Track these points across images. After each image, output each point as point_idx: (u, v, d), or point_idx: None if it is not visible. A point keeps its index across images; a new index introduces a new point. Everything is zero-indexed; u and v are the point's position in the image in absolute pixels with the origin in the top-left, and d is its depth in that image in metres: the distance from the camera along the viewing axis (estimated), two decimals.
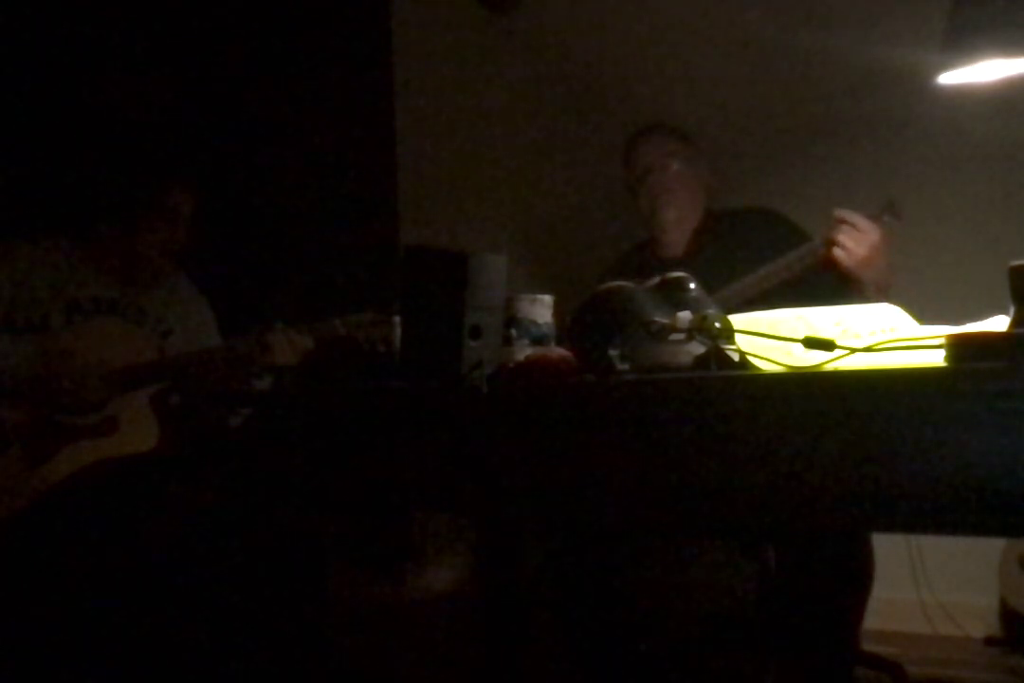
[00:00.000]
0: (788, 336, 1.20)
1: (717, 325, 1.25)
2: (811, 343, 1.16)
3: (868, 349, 1.16)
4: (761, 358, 1.21)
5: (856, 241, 2.00)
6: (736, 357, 1.24)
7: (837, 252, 2.01)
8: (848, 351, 1.15)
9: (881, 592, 2.06)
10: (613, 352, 1.29)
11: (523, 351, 1.52)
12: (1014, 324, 1.08)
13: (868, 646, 2.22)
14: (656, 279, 1.39)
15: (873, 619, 2.09)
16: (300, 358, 2.25)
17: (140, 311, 2.41)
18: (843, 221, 2.02)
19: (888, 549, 2.07)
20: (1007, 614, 2.65)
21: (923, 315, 1.38)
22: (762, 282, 2.11)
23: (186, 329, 2.47)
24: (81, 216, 2.43)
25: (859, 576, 2.03)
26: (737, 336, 1.25)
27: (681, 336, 1.27)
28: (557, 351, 1.46)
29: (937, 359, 1.07)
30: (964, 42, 1.65)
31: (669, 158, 2.45)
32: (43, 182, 2.90)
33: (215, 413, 2.42)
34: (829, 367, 1.16)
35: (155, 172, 2.41)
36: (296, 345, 2.24)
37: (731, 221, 2.45)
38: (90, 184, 2.43)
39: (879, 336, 1.28)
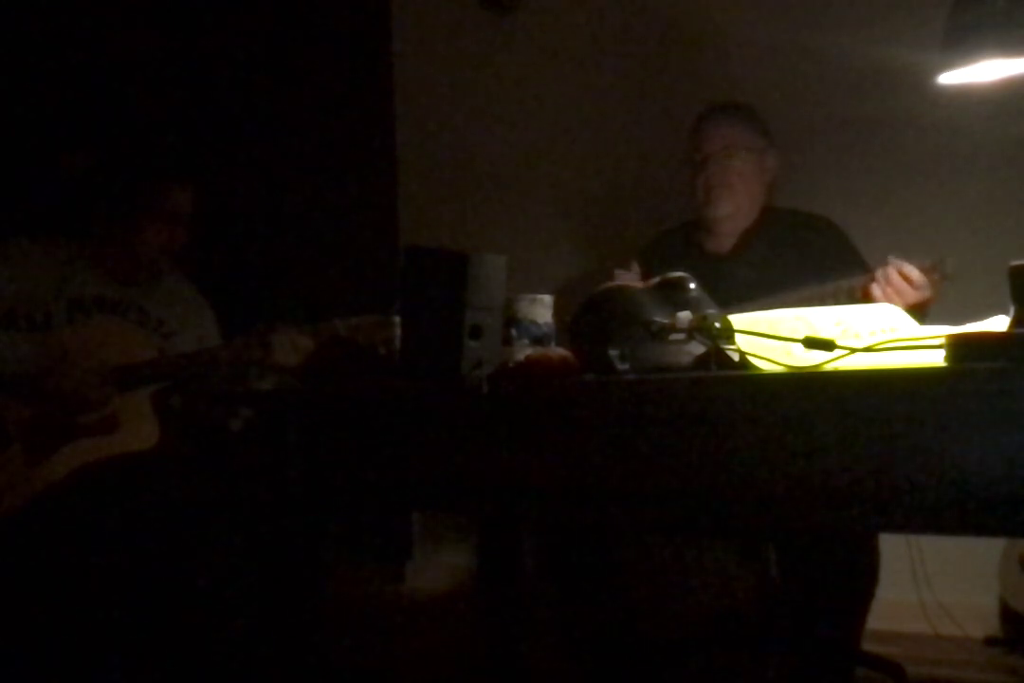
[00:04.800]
0: (788, 336, 1.20)
1: (717, 325, 1.25)
2: (811, 343, 1.17)
3: (868, 349, 1.16)
4: (761, 358, 1.21)
5: (902, 293, 1.94)
6: (736, 357, 1.24)
7: (876, 296, 1.96)
8: (848, 351, 1.15)
9: (881, 592, 2.06)
10: (613, 352, 1.29)
11: (523, 351, 1.52)
12: (1014, 324, 1.08)
13: (868, 646, 2.21)
14: (656, 279, 1.39)
15: (873, 619, 2.09)
16: (302, 359, 2.25)
17: (141, 312, 2.41)
18: (896, 272, 1.95)
19: (888, 549, 2.07)
20: (1007, 614, 2.65)
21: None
22: (800, 303, 2.08)
23: (188, 331, 2.46)
24: (81, 216, 2.43)
25: (863, 577, 2.03)
26: (737, 336, 1.25)
27: (681, 336, 1.27)
28: (557, 351, 1.47)
29: (937, 359, 1.08)
30: (964, 42, 1.65)
31: (735, 149, 2.32)
32: (43, 182, 2.90)
33: (215, 413, 2.42)
34: (829, 367, 1.16)
35: (155, 172, 2.41)
36: (298, 346, 2.24)
37: (786, 223, 2.37)
38: (90, 184, 2.43)
39: (879, 336, 1.28)
